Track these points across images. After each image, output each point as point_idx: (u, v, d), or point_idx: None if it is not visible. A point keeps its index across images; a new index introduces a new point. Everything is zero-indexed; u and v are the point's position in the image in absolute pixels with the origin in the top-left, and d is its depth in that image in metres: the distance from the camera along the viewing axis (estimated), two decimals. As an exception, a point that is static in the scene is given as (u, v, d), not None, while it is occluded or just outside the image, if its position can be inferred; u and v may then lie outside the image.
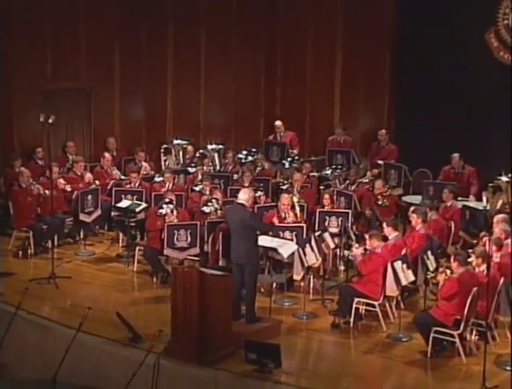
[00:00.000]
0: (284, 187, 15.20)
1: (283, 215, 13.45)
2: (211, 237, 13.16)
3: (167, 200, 13.61)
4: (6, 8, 15.74)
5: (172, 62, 18.20)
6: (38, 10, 16.30)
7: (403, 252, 11.76)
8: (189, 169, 16.21)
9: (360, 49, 18.45)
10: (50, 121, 13.52)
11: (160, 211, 13.48)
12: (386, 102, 18.62)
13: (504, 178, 14.49)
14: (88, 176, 15.54)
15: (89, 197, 14.86)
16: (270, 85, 19.40)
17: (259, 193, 14.48)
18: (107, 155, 16.37)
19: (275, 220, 13.11)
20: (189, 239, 13.14)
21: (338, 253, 13.49)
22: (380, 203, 14.36)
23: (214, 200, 13.73)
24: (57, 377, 9.78)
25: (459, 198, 14.80)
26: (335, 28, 18.72)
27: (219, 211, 13.53)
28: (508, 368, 10.32)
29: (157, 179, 15.78)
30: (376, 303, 11.55)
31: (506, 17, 17.12)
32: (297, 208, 13.75)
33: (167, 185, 15.15)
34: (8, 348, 10.90)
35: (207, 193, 14.44)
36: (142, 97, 18.07)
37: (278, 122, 18.35)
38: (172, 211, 13.45)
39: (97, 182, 15.47)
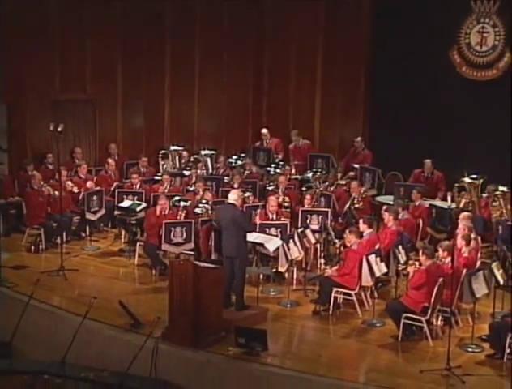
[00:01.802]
0: (270, 188, 15.24)
1: (270, 216, 13.50)
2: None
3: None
4: (18, 28, 15.75)
5: (169, 76, 18.08)
6: (47, 29, 16.29)
7: (377, 247, 11.80)
8: (185, 172, 16.19)
9: (338, 64, 18.45)
10: (59, 129, 13.46)
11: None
12: (362, 112, 18.59)
13: (466, 179, 14.47)
14: (90, 183, 15.46)
15: (94, 197, 14.82)
16: (258, 97, 19.35)
17: (248, 194, 14.51)
18: (110, 161, 16.31)
19: (257, 220, 13.15)
20: (184, 235, 13.11)
21: (319, 247, 13.54)
22: (357, 206, 14.38)
23: (204, 201, 13.77)
24: (66, 358, 9.81)
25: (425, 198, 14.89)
26: (316, 46, 18.69)
27: (209, 211, 13.51)
28: (469, 350, 10.43)
29: (157, 178, 15.87)
30: (352, 292, 11.57)
31: (467, 36, 17.11)
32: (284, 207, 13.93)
33: (165, 186, 15.16)
34: (22, 333, 10.88)
35: (200, 193, 14.46)
36: (143, 108, 17.98)
37: (264, 130, 18.32)
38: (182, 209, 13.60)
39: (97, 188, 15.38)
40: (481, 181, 14.43)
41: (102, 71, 17.19)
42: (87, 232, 14.98)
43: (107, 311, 11.47)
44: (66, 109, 16.72)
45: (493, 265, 10.92)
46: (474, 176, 14.41)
